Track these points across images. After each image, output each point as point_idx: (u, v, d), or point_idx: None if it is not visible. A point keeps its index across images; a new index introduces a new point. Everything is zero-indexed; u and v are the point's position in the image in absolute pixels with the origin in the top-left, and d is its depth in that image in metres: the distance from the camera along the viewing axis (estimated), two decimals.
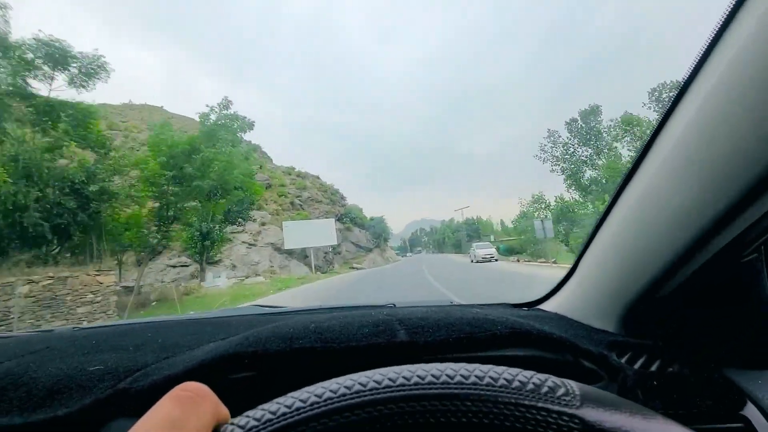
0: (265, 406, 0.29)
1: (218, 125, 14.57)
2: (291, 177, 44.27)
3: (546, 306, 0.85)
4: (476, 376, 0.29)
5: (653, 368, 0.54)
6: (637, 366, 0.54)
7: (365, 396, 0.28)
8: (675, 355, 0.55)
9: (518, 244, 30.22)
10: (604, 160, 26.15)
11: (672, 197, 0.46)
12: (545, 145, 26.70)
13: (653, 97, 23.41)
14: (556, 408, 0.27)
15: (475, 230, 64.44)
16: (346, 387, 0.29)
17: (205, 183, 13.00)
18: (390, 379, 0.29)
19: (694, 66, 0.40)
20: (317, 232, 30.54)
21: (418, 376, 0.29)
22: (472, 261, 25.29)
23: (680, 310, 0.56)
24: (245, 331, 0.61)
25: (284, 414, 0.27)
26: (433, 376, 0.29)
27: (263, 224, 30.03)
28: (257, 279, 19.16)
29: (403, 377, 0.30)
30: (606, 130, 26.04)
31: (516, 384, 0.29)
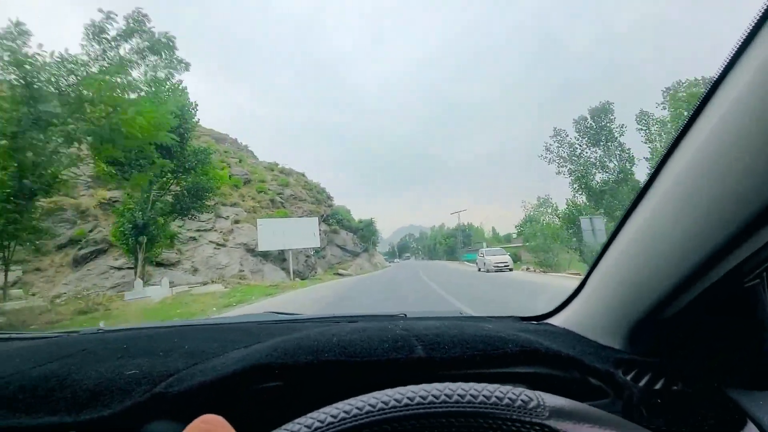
0: (300, 420, 0.32)
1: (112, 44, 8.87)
2: (273, 173, 40.50)
3: (555, 320, 0.85)
4: (459, 395, 0.33)
5: (658, 386, 0.56)
6: (642, 383, 0.56)
7: (387, 413, 0.32)
8: (679, 374, 0.56)
9: (518, 252, 28.52)
10: (615, 162, 23.97)
11: (678, 223, 0.48)
12: (551, 145, 24.26)
13: (666, 95, 21.50)
14: (528, 419, 0.31)
15: (467, 236, 62.11)
16: (370, 405, 0.33)
17: (81, 128, 8.04)
18: (408, 398, 0.33)
19: (700, 101, 0.44)
20: (298, 232, 26.89)
21: (431, 395, 0.33)
22: (480, 270, 21.91)
23: (685, 330, 0.58)
24: (266, 339, 0.65)
25: (317, 429, 0.31)
26: (433, 396, 0.33)
27: (236, 222, 26.36)
28: (211, 288, 15.23)
29: (418, 395, 0.33)
30: (618, 129, 23.76)
31: (493, 400, 0.33)
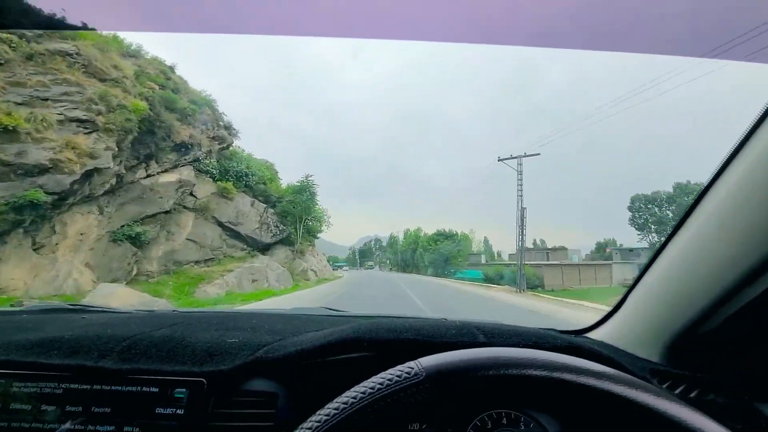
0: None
1: None
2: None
3: (593, 335, 0.89)
4: (369, 387, 0.41)
5: (692, 395, 0.60)
6: (676, 393, 0.61)
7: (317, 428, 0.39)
8: (712, 386, 0.61)
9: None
10: None
11: (718, 244, 0.53)
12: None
13: None
14: (413, 383, 0.40)
15: (455, 245, 42.84)
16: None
17: None
18: (333, 409, 0.40)
19: (743, 136, 0.50)
20: None
21: (350, 397, 0.40)
22: None
23: (720, 346, 0.61)
24: (329, 327, 0.74)
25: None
26: (351, 398, 0.40)
27: None
28: None
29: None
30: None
31: (388, 379, 0.41)
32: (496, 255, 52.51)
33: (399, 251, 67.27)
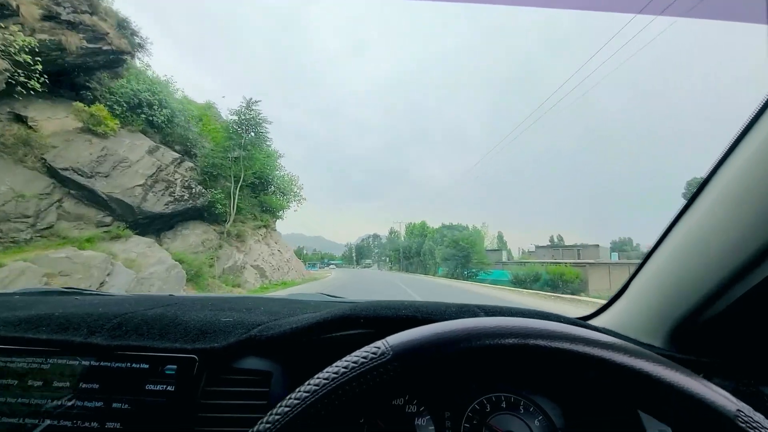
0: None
1: None
2: None
3: (595, 321, 0.88)
4: (343, 367, 0.39)
5: None
6: None
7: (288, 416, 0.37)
8: (717, 371, 0.61)
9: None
10: None
11: (722, 230, 0.54)
12: None
13: None
14: (380, 362, 0.38)
15: (470, 240, 31.94)
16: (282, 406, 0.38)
17: None
18: (305, 392, 0.38)
19: (746, 125, 0.51)
20: None
21: (323, 378, 0.38)
22: None
23: (724, 331, 0.61)
24: (325, 310, 0.71)
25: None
26: (324, 378, 0.38)
27: None
28: None
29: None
30: None
31: (357, 360, 0.39)
32: (517, 252, 43.55)
33: (401, 247, 54.99)
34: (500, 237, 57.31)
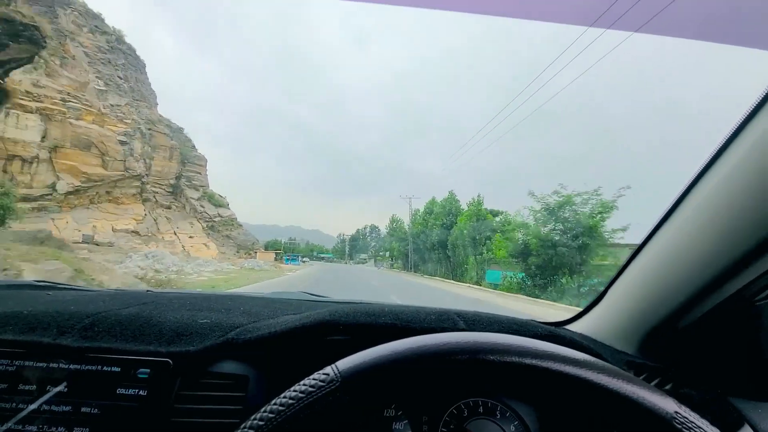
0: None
1: None
2: None
3: (572, 327, 0.89)
4: (290, 398, 0.37)
5: (666, 388, 0.62)
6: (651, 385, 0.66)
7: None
8: (687, 380, 0.62)
9: None
10: None
11: (697, 242, 0.55)
12: None
13: None
14: (330, 390, 0.37)
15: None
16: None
17: None
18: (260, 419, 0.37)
19: (727, 138, 0.51)
20: None
21: (268, 413, 0.36)
22: None
23: (696, 341, 0.62)
24: (307, 311, 0.72)
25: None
26: (270, 412, 0.36)
27: None
28: None
29: None
30: None
31: (305, 389, 0.38)
32: None
33: (410, 235, 39.78)
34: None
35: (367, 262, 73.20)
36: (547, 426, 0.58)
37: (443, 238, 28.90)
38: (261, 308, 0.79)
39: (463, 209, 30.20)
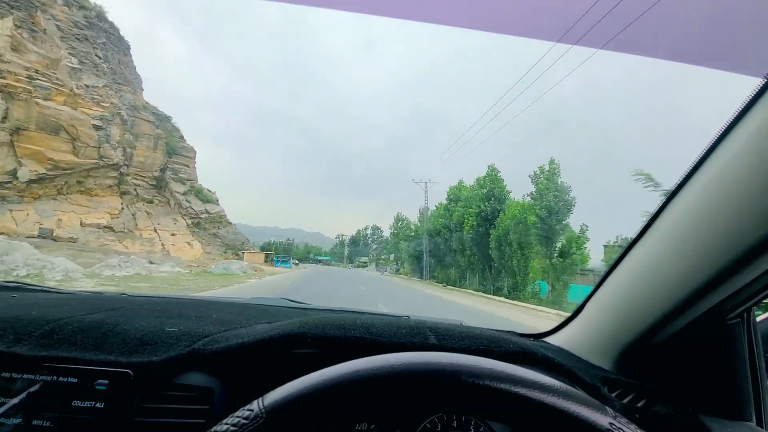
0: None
1: None
2: None
3: (551, 339, 0.89)
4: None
5: (639, 405, 0.63)
6: (625, 401, 0.63)
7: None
8: (659, 397, 0.63)
9: None
10: None
11: (671, 261, 0.56)
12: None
13: None
14: (256, 426, 0.34)
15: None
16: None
17: None
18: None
19: (701, 156, 0.52)
20: None
21: None
22: None
23: (669, 358, 0.64)
24: (283, 319, 0.70)
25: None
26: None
27: None
28: None
29: None
30: None
31: (245, 417, 0.35)
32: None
33: (427, 231, 30.14)
34: (585, 229, 28.92)
35: (368, 265, 65.76)
36: None
37: (480, 233, 20.98)
38: (235, 316, 0.77)
39: (509, 191, 21.82)
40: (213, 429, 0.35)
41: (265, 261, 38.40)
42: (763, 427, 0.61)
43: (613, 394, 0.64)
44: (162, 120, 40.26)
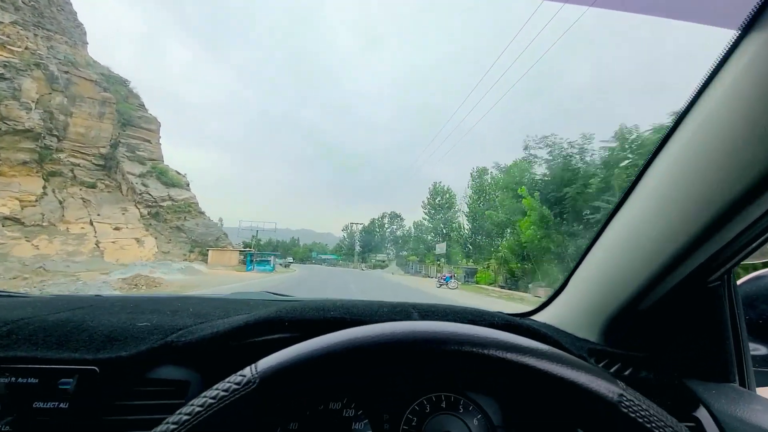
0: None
1: None
2: None
3: (537, 317, 0.90)
4: (199, 405, 0.35)
5: (626, 373, 0.63)
6: (611, 371, 0.64)
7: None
8: (645, 364, 0.64)
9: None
10: None
11: (652, 227, 0.56)
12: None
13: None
14: (246, 392, 0.35)
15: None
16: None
17: None
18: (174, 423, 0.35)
19: (674, 122, 0.52)
20: None
21: (185, 414, 0.34)
22: None
23: (653, 326, 0.64)
24: (261, 310, 0.67)
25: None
26: (186, 413, 0.34)
27: None
28: None
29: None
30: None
31: (219, 394, 0.35)
32: None
33: (486, 215, 23.21)
34: None
35: (388, 265, 50.43)
36: (510, 418, 0.56)
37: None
38: (213, 309, 0.74)
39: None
40: (204, 394, 0.35)
41: (241, 262, 28.79)
42: (746, 387, 0.62)
43: (600, 365, 0.64)
44: (114, 82, 31.01)
